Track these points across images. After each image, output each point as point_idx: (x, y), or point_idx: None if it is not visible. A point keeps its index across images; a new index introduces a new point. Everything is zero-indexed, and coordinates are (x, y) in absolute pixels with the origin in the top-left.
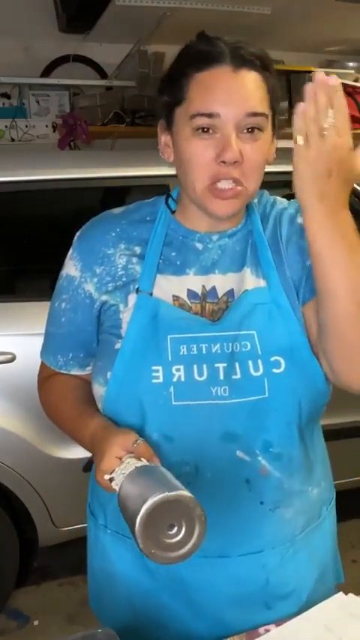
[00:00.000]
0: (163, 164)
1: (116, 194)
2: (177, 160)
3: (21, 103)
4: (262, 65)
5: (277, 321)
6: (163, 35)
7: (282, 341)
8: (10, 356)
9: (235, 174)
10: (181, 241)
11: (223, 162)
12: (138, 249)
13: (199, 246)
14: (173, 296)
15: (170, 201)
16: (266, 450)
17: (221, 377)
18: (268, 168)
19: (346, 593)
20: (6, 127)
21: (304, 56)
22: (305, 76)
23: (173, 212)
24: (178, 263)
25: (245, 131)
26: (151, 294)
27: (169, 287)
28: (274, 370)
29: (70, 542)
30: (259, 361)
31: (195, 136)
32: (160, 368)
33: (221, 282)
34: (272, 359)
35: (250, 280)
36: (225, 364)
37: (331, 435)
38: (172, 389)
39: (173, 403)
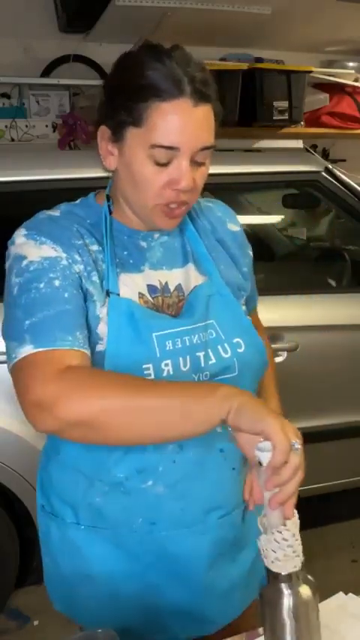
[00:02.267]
0: None
1: None
2: (124, 173)
3: (21, 103)
4: (214, 96)
5: (227, 308)
6: (163, 35)
7: (235, 325)
8: None
9: (186, 197)
10: (127, 240)
11: (177, 189)
12: (95, 248)
13: (144, 244)
14: (139, 293)
15: (109, 202)
16: None
17: (202, 364)
18: (268, 169)
19: (346, 593)
20: (6, 127)
21: (304, 56)
22: (305, 76)
23: (110, 213)
24: (131, 261)
25: (195, 163)
26: (118, 295)
27: (132, 285)
28: (238, 350)
29: None
30: (226, 345)
31: (150, 162)
32: (150, 365)
33: (170, 277)
34: (234, 340)
35: (194, 276)
36: (203, 352)
37: (331, 435)
38: None
39: None
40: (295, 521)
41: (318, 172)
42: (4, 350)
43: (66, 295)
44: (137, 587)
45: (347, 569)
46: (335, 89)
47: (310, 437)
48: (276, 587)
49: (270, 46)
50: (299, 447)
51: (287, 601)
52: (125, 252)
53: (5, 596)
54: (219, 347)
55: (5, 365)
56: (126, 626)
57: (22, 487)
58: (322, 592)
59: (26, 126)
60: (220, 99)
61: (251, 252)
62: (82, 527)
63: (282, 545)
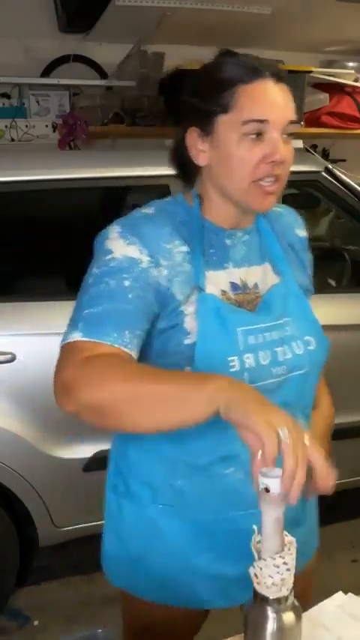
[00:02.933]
0: (163, 164)
1: (116, 194)
2: (217, 163)
3: (21, 103)
4: (287, 80)
5: (300, 308)
6: (163, 35)
7: (307, 324)
8: (10, 356)
9: (279, 171)
10: (214, 239)
11: (272, 162)
12: (185, 248)
13: (229, 242)
14: (221, 290)
15: (198, 201)
16: (303, 412)
17: (280, 358)
18: None
19: (345, 593)
20: (6, 127)
21: (304, 56)
22: (305, 76)
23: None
24: (215, 259)
25: (284, 137)
26: (205, 291)
27: (216, 282)
28: (309, 348)
29: (70, 542)
30: (299, 342)
31: (245, 140)
32: (235, 358)
33: (250, 275)
34: (306, 338)
35: (270, 274)
36: (281, 348)
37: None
38: (245, 375)
39: None
40: (295, 545)
41: (318, 172)
42: (3, 351)
43: (130, 296)
44: (208, 559)
45: (347, 569)
46: (335, 89)
47: None
48: (262, 609)
49: (270, 46)
50: (286, 434)
51: (272, 625)
52: (211, 250)
53: (5, 596)
54: (293, 343)
55: (5, 365)
56: (191, 594)
57: (22, 487)
58: (322, 592)
59: (26, 126)
60: None
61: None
62: (160, 506)
63: (281, 570)
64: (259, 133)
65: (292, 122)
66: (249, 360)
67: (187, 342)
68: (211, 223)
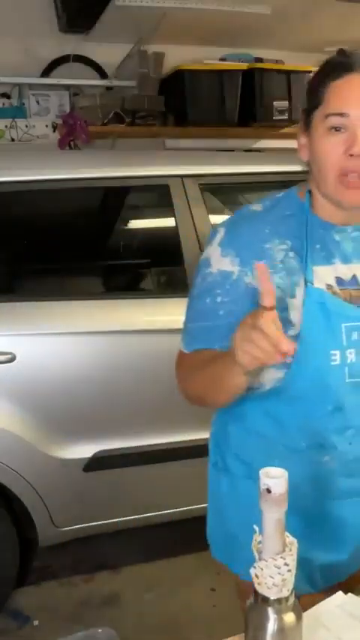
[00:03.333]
0: (163, 164)
1: (116, 194)
2: (312, 158)
3: (21, 103)
4: None
5: None
6: (163, 35)
7: None
8: (10, 356)
9: None
10: (322, 234)
11: (351, 155)
12: (290, 243)
13: (337, 237)
14: (327, 285)
15: (308, 196)
16: None
17: None
18: (268, 169)
19: (345, 593)
20: (6, 127)
21: (304, 56)
22: (305, 75)
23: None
24: (323, 254)
25: None
26: (312, 285)
27: (321, 276)
28: None
29: (70, 542)
30: None
31: (328, 133)
32: (337, 352)
33: (358, 270)
34: None
35: None
36: None
37: None
38: (346, 369)
39: (346, 380)
40: (296, 546)
41: None
42: (3, 351)
43: (221, 312)
44: (299, 539)
45: None
46: None
47: None
48: (263, 609)
49: (270, 46)
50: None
51: (272, 625)
52: (318, 246)
53: (5, 596)
54: None
55: (5, 365)
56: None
57: (22, 487)
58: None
59: (26, 126)
60: (219, 99)
61: None
62: (254, 481)
63: (282, 571)
64: (340, 127)
65: None
66: (351, 355)
67: (291, 333)
68: (319, 219)
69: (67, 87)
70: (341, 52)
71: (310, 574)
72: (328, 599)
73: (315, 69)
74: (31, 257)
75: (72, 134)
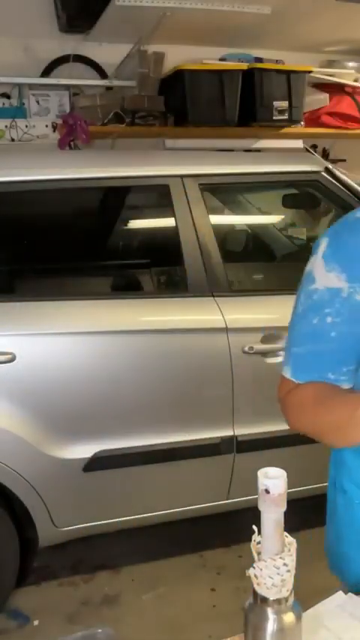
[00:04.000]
0: (163, 164)
1: (116, 194)
2: None
3: (21, 103)
4: None
5: None
6: (163, 35)
7: None
8: (10, 356)
9: None
10: None
11: None
12: None
13: None
14: None
15: None
16: None
17: None
18: (268, 169)
19: (345, 593)
20: (6, 126)
21: (304, 56)
22: (305, 76)
23: None
24: None
25: None
26: None
27: None
28: None
29: (70, 542)
30: None
31: None
32: None
33: None
34: None
35: None
36: None
37: None
38: None
39: None
40: (295, 546)
41: (318, 172)
42: (3, 351)
43: (332, 334)
44: None
45: None
46: (335, 89)
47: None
48: (262, 610)
49: (270, 46)
50: None
51: (272, 626)
52: None
53: (5, 596)
54: None
55: (5, 365)
56: None
57: (22, 487)
58: (322, 592)
59: (26, 126)
60: (219, 99)
61: None
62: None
63: (281, 571)
64: None
65: None
66: None
67: None
68: None
69: (67, 87)
70: None
71: None
72: (328, 599)
73: (315, 69)
74: (31, 257)
75: (72, 134)
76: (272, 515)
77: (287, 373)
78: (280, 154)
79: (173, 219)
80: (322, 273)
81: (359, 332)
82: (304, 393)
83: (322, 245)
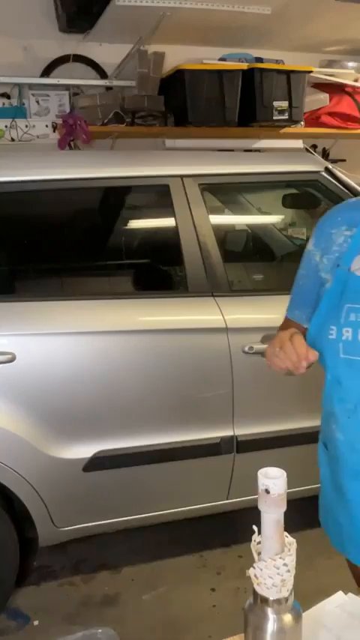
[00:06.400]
0: (163, 164)
1: (116, 194)
2: None
3: (21, 103)
4: None
5: None
6: (163, 35)
7: None
8: (10, 356)
9: None
10: None
11: None
12: (354, 230)
13: None
14: None
15: None
16: None
17: None
18: (268, 169)
19: (345, 593)
20: (6, 126)
21: (304, 56)
22: (305, 76)
23: None
24: None
25: None
26: (349, 269)
27: None
28: None
29: (70, 542)
30: None
31: None
32: (335, 328)
33: None
34: None
35: None
36: None
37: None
38: (340, 345)
39: (341, 356)
40: (295, 546)
41: (318, 172)
42: (3, 351)
43: (300, 283)
44: (336, 514)
45: (347, 569)
46: (335, 89)
47: (307, 438)
48: (262, 610)
49: (270, 46)
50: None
51: (272, 626)
52: None
53: (5, 596)
54: None
55: (5, 365)
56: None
57: (22, 487)
58: (322, 592)
59: (26, 126)
60: (219, 99)
61: None
62: (321, 448)
63: (281, 571)
64: None
65: None
66: (347, 333)
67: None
68: None
69: (67, 87)
70: None
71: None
72: (328, 599)
73: (315, 69)
74: (32, 257)
75: (72, 134)
76: (272, 515)
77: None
78: (280, 154)
79: (173, 219)
80: (310, 240)
81: (312, 285)
82: (282, 326)
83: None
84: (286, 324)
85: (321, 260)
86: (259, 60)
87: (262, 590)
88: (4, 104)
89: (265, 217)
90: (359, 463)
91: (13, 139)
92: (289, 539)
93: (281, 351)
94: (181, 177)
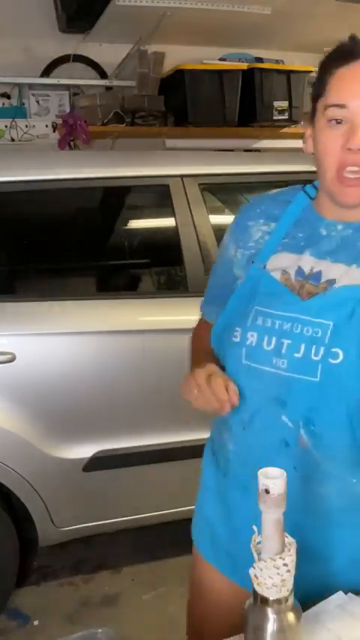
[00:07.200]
0: (163, 164)
1: (116, 194)
2: (314, 150)
3: (21, 103)
4: None
5: (358, 320)
6: (163, 35)
7: (353, 339)
8: (10, 356)
9: None
10: (309, 225)
11: (349, 149)
12: (273, 225)
13: (324, 231)
14: (282, 270)
15: (310, 188)
16: (307, 426)
17: (283, 351)
18: (268, 169)
19: (345, 593)
20: (6, 126)
21: (304, 56)
22: (305, 76)
23: (312, 199)
24: (302, 244)
25: None
26: (264, 267)
27: (283, 262)
28: (331, 360)
29: (70, 542)
30: (322, 348)
31: (327, 126)
32: (240, 330)
33: (329, 269)
34: (334, 350)
35: (354, 275)
36: (290, 341)
37: None
38: (244, 350)
39: (243, 362)
40: (295, 546)
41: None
42: (3, 351)
43: (214, 277)
44: (219, 522)
45: None
46: None
47: None
48: (262, 610)
49: (270, 46)
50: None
51: (272, 626)
52: (300, 234)
53: (5, 596)
54: (313, 346)
55: (5, 365)
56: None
57: (22, 487)
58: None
59: (26, 126)
60: (219, 99)
61: None
62: (208, 456)
63: (281, 571)
64: (340, 119)
65: None
66: (252, 337)
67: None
68: (314, 211)
69: (67, 87)
70: (351, 37)
71: (225, 557)
72: (328, 599)
73: (315, 69)
74: (31, 257)
75: (72, 134)
76: (272, 515)
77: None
78: (280, 154)
79: (173, 219)
80: (225, 235)
81: (226, 279)
82: (197, 327)
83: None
84: (199, 330)
85: (235, 254)
86: (259, 60)
87: (262, 590)
88: (4, 104)
89: None
90: (249, 477)
91: (13, 139)
92: (289, 539)
93: (200, 396)
94: (181, 177)
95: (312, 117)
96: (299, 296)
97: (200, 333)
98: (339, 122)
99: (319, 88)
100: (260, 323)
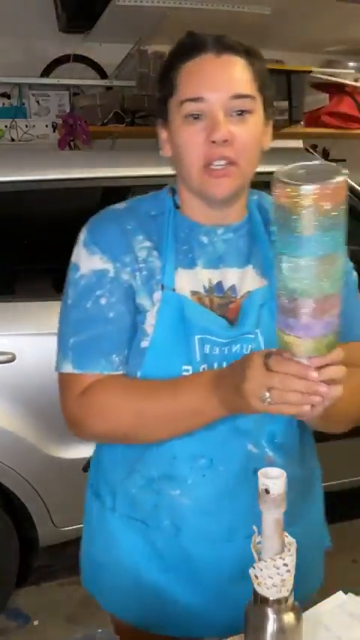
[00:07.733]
0: (163, 164)
1: (116, 194)
2: (174, 152)
3: (21, 103)
4: (246, 51)
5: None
6: (163, 35)
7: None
8: (10, 356)
9: (227, 152)
10: (188, 234)
11: (213, 142)
12: (153, 242)
13: (205, 239)
14: (191, 291)
15: (173, 195)
16: (271, 441)
17: None
18: (268, 169)
19: (345, 593)
20: (6, 126)
21: (304, 56)
22: (305, 76)
23: (177, 207)
24: (190, 256)
25: (234, 114)
26: (173, 290)
27: (187, 281)
28: None
29: (70, 542)
30: None
31: (185, 122)
32: (190, 368)
33: (225, 276)
34: None
35: (253, 279)
36: None
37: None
38: None
39: None
40: (295, 546)
41: None
42: (3, 351)
43: (110, 315)
44: (158, 583)
45: (347, 569)
46: (335, 89)
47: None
48: (262, 610)
49: (270, 46)
50: (267, 395)
51: (272, 626)
52: (185, 247)
53: (5, 596)
54: None
55: (5, 366)
56: (144, 616)
57: (22, 487)
58: (322, 592)
59: (26, 126)
60: None
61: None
62: (117, 514)
63: (281, 571)
64: (197, 114)
65: (242, 96)
66: (204, 370)
67: (143, 344)
68: (186, 218)
69: (67, 87)
70: (189, 33)
71: (177, 619)
72: (328, 599)
73: (315, 69)
74: (32, 257)
75: (72, 134)
76: (272, 515)
77: (68, 368)
78: (280, 154)
79: None
80: (86, 259)
81: (131, 313)
82: (109, 386)
83: (82, 236)
84: (111, 386)
85: (135, 279)
86: None
87: (262, 590)
88: (4, 104)
89: None
90: (211, 526)
91: (13, 139)
92: (289, 539)
93: (277, 392)
94: None
95: (164, 119)
96: (216, 312)
97: (121, 384)
98: (196, 117)
99: (166, 87)
100: (208, 351)
